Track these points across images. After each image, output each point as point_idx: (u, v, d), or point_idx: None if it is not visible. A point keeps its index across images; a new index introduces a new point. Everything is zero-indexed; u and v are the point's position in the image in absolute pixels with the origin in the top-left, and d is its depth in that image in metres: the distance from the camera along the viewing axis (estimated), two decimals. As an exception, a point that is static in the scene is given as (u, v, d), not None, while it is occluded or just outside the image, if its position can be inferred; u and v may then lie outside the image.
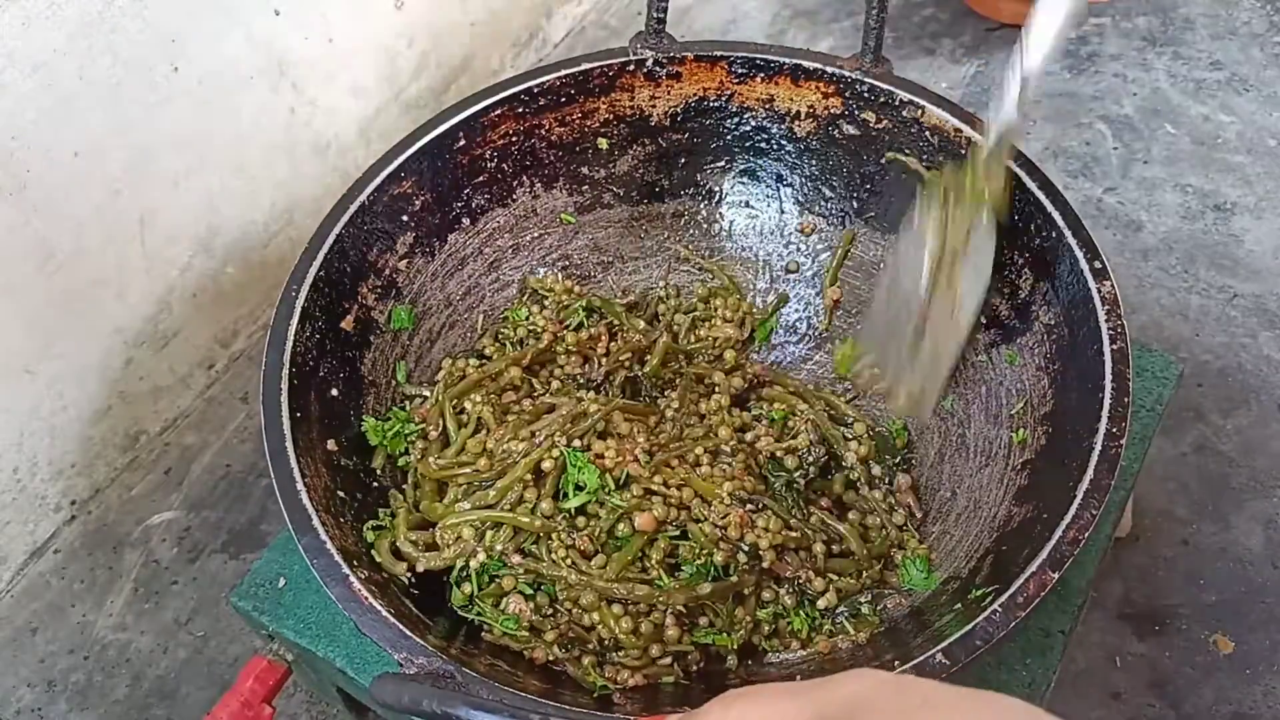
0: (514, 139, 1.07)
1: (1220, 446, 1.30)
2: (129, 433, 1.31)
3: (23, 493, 1.21)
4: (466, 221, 1.07)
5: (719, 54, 1.07)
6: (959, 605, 0.81)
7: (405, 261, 1.03)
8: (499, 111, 1.04)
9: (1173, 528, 1.24)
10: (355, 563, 0.79)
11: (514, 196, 1.09)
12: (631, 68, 1.06)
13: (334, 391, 0.93)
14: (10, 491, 1.19)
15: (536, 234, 1.11)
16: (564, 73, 1.05)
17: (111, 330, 1.23)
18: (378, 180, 0.98)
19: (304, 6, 1.29)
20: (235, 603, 0.94)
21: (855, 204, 1.10)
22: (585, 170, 1.11)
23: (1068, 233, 0.92)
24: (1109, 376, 0.83)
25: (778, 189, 1.13)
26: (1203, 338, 1.39)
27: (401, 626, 0.75)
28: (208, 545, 1.28)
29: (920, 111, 1.01)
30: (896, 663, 0.74)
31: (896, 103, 1.02)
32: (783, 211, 1.13)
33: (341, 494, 0.87)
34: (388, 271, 1.01)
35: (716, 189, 1.14)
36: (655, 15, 1.06)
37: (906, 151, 1.04)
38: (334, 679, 0.96)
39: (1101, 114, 1.66)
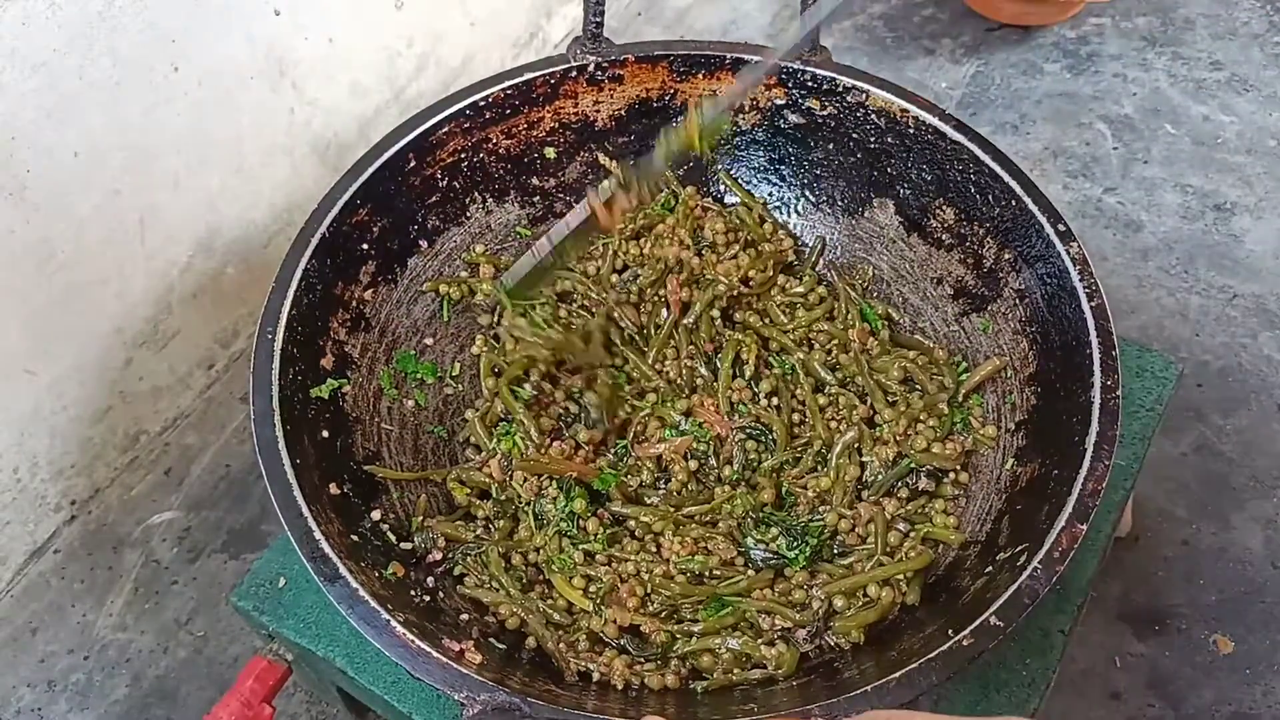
0: (463, 155, 1.06)
1: (1220, 446, 1.30)
2: (129, 433, 1.31)
3: (23, 493, 1.21)
4: (424, 244, 1.06)
5: (659, 53, 1.08)
6: (989, 568, 0.82)
7: (370, 291, 1.01)
8: (446, 129, 1.03)
9: (1173, 528, 1.24)
10: (390, 606, 0.78)
11: (468, 214, 1.09)
12: (574, 74, 1.07)
13: (324, 433, 0.92)
14: (10, 491, 1.19)
15: (493, 250, 1.11)
16: (507, 84, 1.05)
17: (111, 330, 1.23)
18: (335, 209, 0.97)
19: (304, 6, 1.28)
20: (235, 603, 0.94)
21: (806, 191, 1.11)
22: (535, 181, 1.11)
23: (1028, 200, 0.93)
24: (1093, 333, 0.86)
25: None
26: (1203, 338, 1.39)
27: (458, 666, 0.74)
28: (208, 545, 1.28)
29: (865, 96, 1.02)
30: (951, 631, 0.74)
31: (840, 89, 1.03)
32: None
33: (355, 538, 0.86)
34: (354, 303, 1.00)
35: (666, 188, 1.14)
36: (593, 19, 1.06)
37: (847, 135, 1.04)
38: (334, 679, 0.96)
39: (1101, 114, 1.66)
